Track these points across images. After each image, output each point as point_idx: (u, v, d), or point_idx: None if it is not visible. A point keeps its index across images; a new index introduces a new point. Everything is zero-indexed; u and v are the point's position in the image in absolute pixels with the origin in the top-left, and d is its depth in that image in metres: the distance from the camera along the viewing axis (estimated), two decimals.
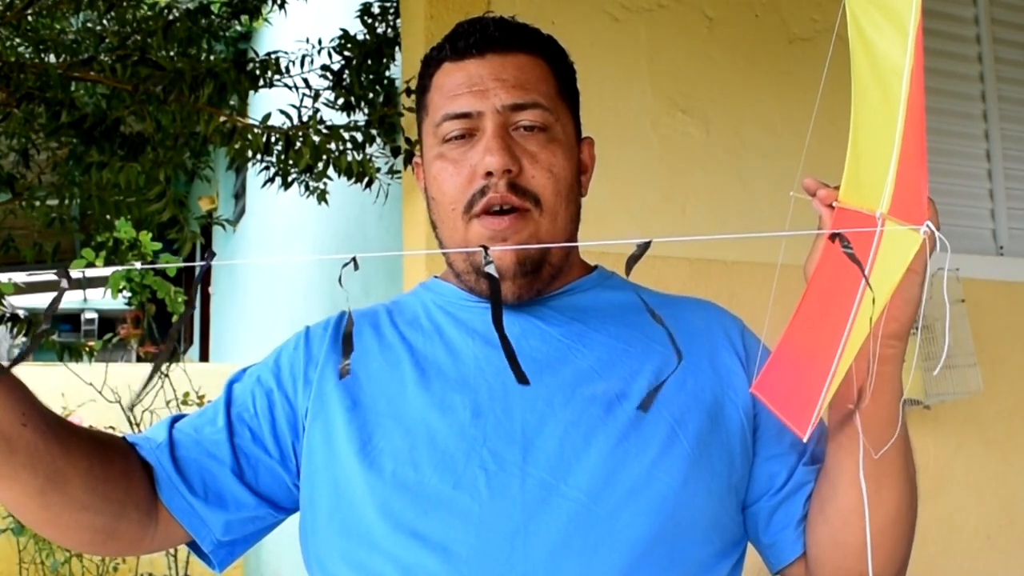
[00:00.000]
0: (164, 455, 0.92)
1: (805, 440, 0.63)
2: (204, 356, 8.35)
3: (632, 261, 0.64)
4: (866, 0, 0.65)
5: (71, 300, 11.04)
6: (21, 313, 3.36)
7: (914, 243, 0.58)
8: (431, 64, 0.96)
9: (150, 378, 0.70)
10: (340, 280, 0.63)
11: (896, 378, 0.79)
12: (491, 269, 0.61)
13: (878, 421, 0.78)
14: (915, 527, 0.88)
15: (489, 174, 0.88)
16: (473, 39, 0.92)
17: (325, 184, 3.03)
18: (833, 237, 0.65)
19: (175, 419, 0.97)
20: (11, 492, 0.81)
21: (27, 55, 3.19)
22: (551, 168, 0.91)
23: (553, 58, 0.97)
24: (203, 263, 0.61)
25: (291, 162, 2.90)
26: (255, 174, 3.17)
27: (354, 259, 0.61)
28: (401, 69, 2.65)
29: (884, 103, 0.62)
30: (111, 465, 0.87)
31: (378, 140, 2.97)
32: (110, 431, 0.98)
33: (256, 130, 2.80)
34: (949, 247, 0.58)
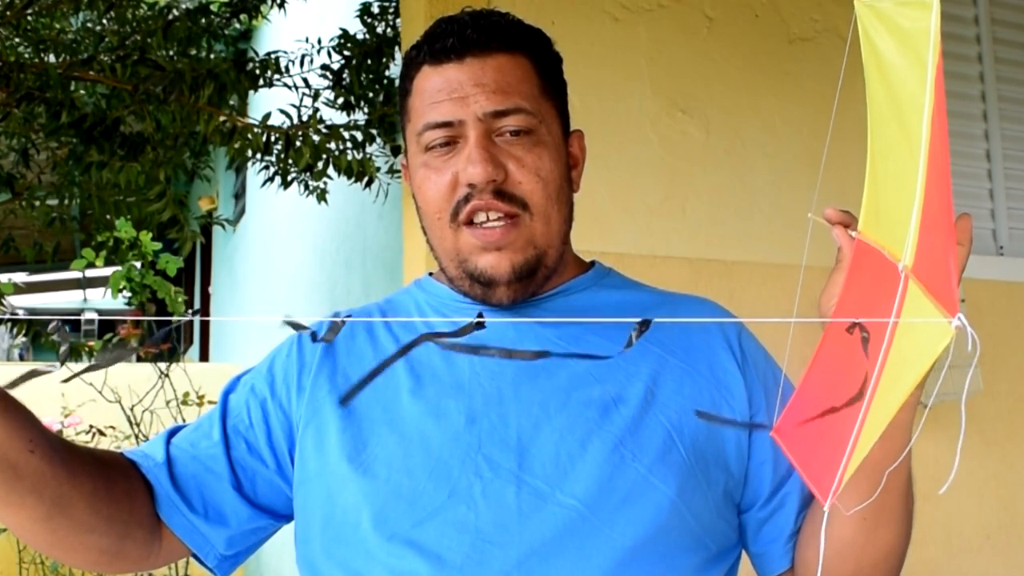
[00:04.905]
0: (163, 473, 0.92)
1: (825, 510, 0.60)
2: (204, 356, 8.35)
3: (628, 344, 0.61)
4: (877, 19, 0.61)
5: (71, 300, 11.03)
6: (21, 313, 3.36)
7: (944, 335, 0.53)
8: (411, 66, 0.93)
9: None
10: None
11: (910, 423, 0.78)
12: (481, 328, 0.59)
13: (885, 464, 0.76)
14: (905, 557, 0.88)
15: (473, 185, 0.87)
16: (451, 41, 0.89)
17: (325, 183, 3.03)
18: (851, 328, 0.61)
19: (172, 432, 0.97)
20: (17, 518, 0.81)
21: (27, 55, 3.19)
22: (538, 172, 0.89)
23: (536, 52, 0.93)
24: (187, 318, 0.60)
25: (291, 161, 2.90)
26: (255, 174, 3.17)
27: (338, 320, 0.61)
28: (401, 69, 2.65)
29: (902, 134, 0.59)
30: (114, 486, 0.87)
31: (378, 139, 2.97)
32: (110, 430, 0.98)
33: (256, 130, 2.80)
34: (977, 339, 0.52)
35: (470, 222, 0.88)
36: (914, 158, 0.56)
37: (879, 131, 0.65)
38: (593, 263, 1.03)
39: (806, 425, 0.70)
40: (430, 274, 1.03)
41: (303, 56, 2.99)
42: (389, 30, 3.00)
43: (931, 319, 0.54)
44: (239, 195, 6.74)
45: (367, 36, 2.99)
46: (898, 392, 0.56)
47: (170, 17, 3.00)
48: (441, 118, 0.88)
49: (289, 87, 2.95)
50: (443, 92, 0.88)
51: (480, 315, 0.61)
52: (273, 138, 2.82)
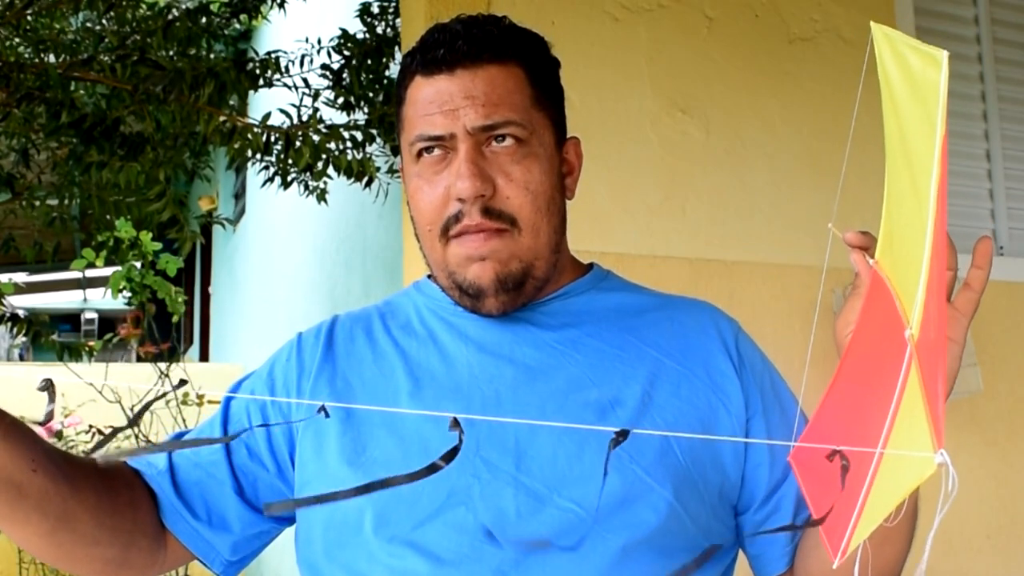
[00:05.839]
0: (165, 481, 0.92)
1: (834, 567, 0.60)
2: (204, 356, 8.35)
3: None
4: (891, 52, 0.59)
5: (71, 300, 11.04)
6: (21, 313, 3.36)
7: (926, 467, 0.50)
8: (406, 74, 0.93)
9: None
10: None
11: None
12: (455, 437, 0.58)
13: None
14: (904, 565, 0.88)
15: (462, 199, 0.87)
16: (441, 52, 0.88)
17: (325, 183, 3.03)
18: (832, 456, 0.59)
19: (175, 439, 0.97)
20: (23, 534, 0.82)
21: (27, 55, 3.19)
22: (527, 185, 0.89)
23: (530, 60, 0.93)
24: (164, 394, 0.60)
25: (291, 161, 2.90)
26: (255, 174, 3.17)
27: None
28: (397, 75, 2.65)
29: (912, 188, 0.58)
30: (118, 497, 0.88)
31: (378, 139, 2.97)
32: (110, 430, 0.98)
33: (256, 130, 2.80)
34: (955, 479, 0.49)
35: (458, 234, 0.89)
36: (922, 219, 0.54)
37: (893, 166, 0.63)
38: (591, 266, 1.03)
39: (822, 460, 0.69)
40: (428, 276, 1.03)
41: (303, 56, 2.98)
42: (389, 30, 3.00)
43: (916, 452, 0.51)
44: (239, 195, 6.74)
45: (367, 36, 2.98)
46: (884, 503, 0.54)
47: (170, 17, 3.00)
48: (432, 131, 0.88)
49: (289, 87, 2.95)
50: (434, 104, 0.88)
51: (455, 420, 0.61)
52: (273, 138, 2.82)
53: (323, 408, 0.73)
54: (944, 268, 0.54)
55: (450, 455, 0.56)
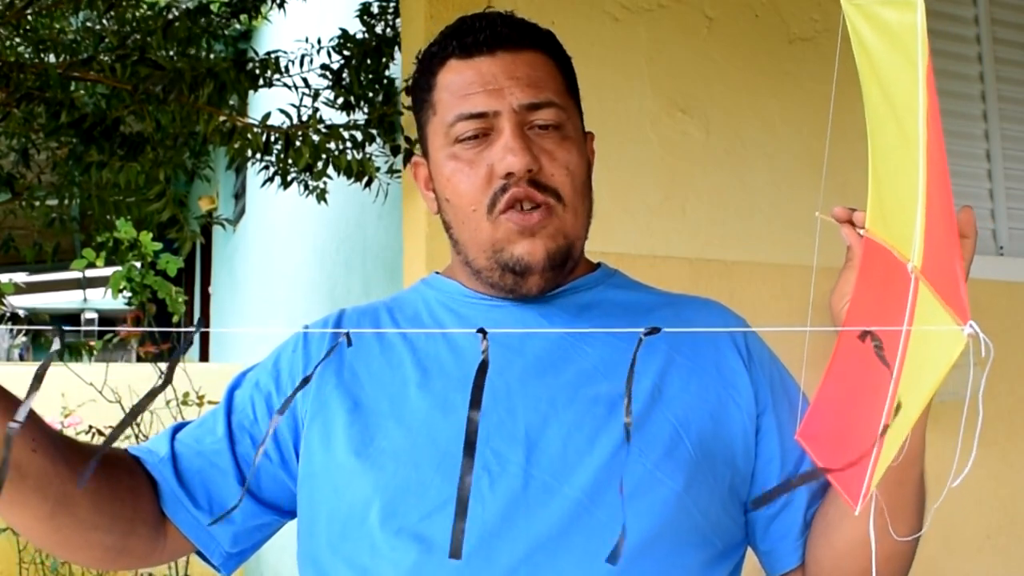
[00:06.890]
0: (167, 469, 0.92)
1: (856, 513, 0.60)
2: (204, 356, 8.35)
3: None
4: (864, 19, 0.60)
5: (71, 300, 11.04)
6: (21, 313, 3.36)
7: (957, 342, 0.51)
8: (434, 61, 0.94)
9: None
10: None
11: (924, 423, 0.79)
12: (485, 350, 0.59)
13: (902, 461, 0.77)
14: (915, 551, 0.89)
15: (510, 175, 0.88)
16: (483, 36, 0.90)
17: (325, 183, 3.03)
18: (863, 336, 0.60)
19: (177, 429, 0.97)
20: (22, 517, 0.82)
21: (27, 55, 3.19)
22: (568, 165, 0.91)
23: (557, 54, 0.96)
24: (191, 330, 0.61)
25: (291, 161, 2.90)
26: (255, 174, 3.17)
27: None
28: (401, 68, 2.65)
29: (900, 135, 0.58)
30: (118, 483, 0.87)
31: (378, 139, 2.97)
32: (110, 430, 0.98)
33: (256, 129, 2.80)
34: (990, 344, 0.50)
35: (507, 209, 0.89)
36: (913, 159, 0.55)
37: (878, 130, 0.64)
38: (599, 264, 1.05)
39: (830, 429, 0.70)
40: (436, 273, 1.03)
41: (303, 56, 2.98)
42: (389, 30, 3.00)
43: (943, 327, 0.52)
44: (239, 195, 6.74)
45: (367, 36, 2.98)
46: (917, 399, 0.55)
47: (170, 17, 3.00)
48: (475, 109, 0.89)
49: (289, 87, 2.95)
50: (476, 84, 0.89)
51: (482, 329, 0.62)
52: (273, 138, 2.82)
53: (347, 335, 0.71)
54: (948, 191, 0.54)
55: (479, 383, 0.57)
